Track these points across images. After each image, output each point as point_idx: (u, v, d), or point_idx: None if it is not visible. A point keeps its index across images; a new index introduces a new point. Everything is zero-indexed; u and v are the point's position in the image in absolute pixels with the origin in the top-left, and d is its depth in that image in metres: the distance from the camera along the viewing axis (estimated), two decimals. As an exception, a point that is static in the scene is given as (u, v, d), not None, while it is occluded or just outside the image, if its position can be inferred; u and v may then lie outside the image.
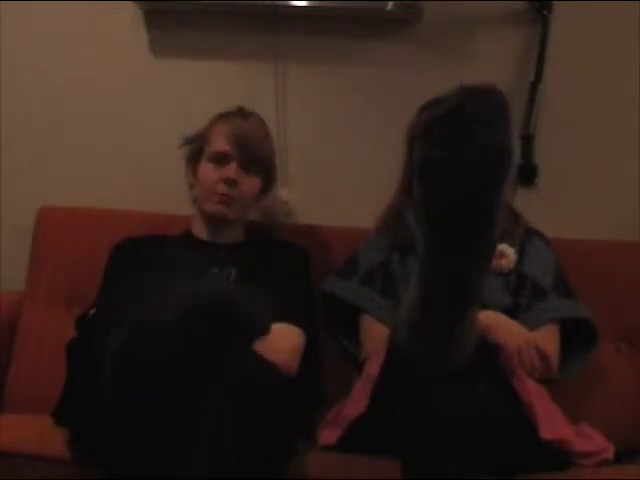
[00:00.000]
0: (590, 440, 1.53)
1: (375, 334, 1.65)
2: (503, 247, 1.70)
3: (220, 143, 1.76)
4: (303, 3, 2.05)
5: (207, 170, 1.77)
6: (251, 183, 1.78)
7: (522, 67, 2.06)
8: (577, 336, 1.69)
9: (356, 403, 1.47)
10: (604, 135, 2.05)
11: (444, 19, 2.07)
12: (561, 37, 2.02)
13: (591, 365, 1.75)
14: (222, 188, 1.74)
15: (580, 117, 2.05)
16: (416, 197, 1.21)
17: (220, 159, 1.75)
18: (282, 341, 1.56)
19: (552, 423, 1.43)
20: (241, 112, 1.83)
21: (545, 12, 2.01)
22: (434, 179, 1.17)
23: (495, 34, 2.07)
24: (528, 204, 1.93)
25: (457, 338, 1.27)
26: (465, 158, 1.15)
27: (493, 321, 1.55)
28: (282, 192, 2.03)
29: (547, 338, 1.63)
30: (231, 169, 1.74)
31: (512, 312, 1.66)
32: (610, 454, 1.53)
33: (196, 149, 1.82)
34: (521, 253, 1.74)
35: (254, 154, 1.76)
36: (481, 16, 2.07)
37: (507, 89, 2.04)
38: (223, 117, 1.82)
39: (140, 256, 1.73)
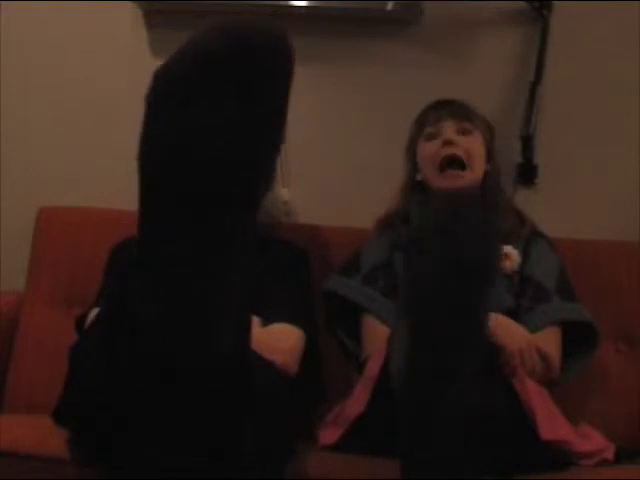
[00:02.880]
0: (590, 440, 1.53)
1: (376, 334, 1.65)
2: (507, 249, 1.71)
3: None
4: (303, 3, 2.05)
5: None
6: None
7: (522, 67, 2.06)
8: (578, 339, 1.69)
9: (356, 403, 1.47)
10: (604, 135, 2.05)
11: (444, 19, 2.07)
12: (561, 37, 2.03)
13: (591, 365, 1.75)
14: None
15: (580, 117, 2.05)
16: (402, 296, 1.24)
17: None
18: (282, 341, 1.56)
19: (552, 423, 1.43)
20: None
21: (545, 12, 2.01)
22: (421, 293, 1.20)
23: (495, 34, 2.07)
24: (528, 204, 1.93)
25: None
26: (451, 276, 1.17)
27: (494, 322, 1.55)
28: (282, 192, 2.04)
29: (548, 340, 1.63)
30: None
31: (514, 314, 1.66)
32: (610, 454, 1.53)
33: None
34: (525, 255, 1.73)
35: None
36: (481, 16, 2.07)
37: (507, 89, 2.07)
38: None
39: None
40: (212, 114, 0.99)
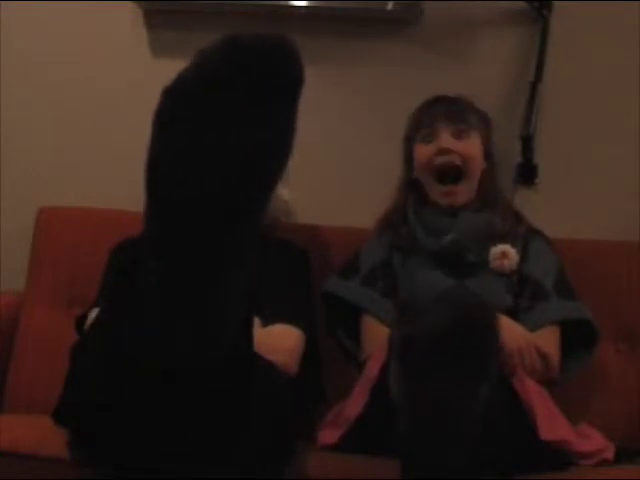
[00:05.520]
0: (590, 440, 1.53)
1: (376, 334, 1.65)
2: (505, 248, 1.70)
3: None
4: (303, 3, 2.05)
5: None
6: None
7: (522, 67, 2.06)
8: (578, 337, 1.69)
9: (356, 403, 1.47)
10: (604, 135, 2.05)
11: (444, 19, 2.07)
12: (561, 37, 2.03)
13: (591, 365, 1.75)
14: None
15: (580, 117, 2.05)
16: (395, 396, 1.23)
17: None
18: (282, 341, 1.56)
19: (552, 424, 1.43)
20: None
21: (545, 12, 2.01)
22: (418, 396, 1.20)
23: (495, 34, 2.07)
24: (528, 204, 1.93)
25: None
26: (444, 391, 1.17)
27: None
28: (282, 192, 2.03)
29: (548, 339, 1.63)
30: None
31: (513, 313, 1.66)
32: (610, 454, 1.53)
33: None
34: (523, 254, 1.73)
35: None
36: (481, 16, 2.07)
37: (507, 89, 2.07)
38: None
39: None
40: (218, 136, 1.01)
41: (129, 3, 2.12)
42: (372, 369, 1.46)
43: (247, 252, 1.07)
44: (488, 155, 1.79)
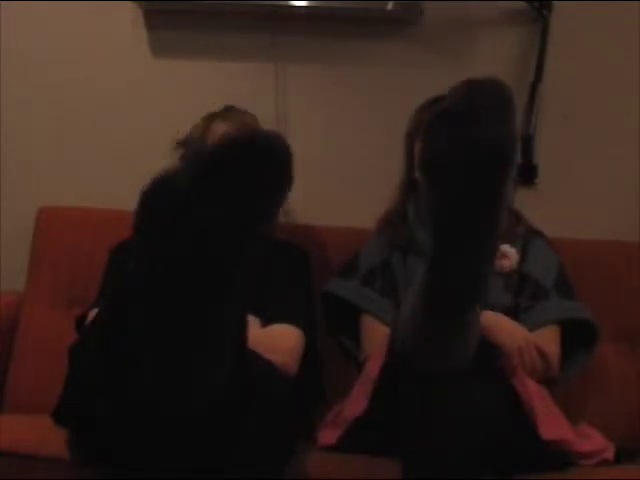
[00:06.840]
0: (590, 440, 1.53)
1: (375, 334, 1.65)
2: (504, 247, 1.70)
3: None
4: (303, 3, 2.05)
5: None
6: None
7: (522, 67, 2.06)
8: (578, 337, 1.69)
9: (356, 403, 1.47)
10: (604, 135, 2.05)
11: (444, 19, 2.07)
12: (561, 37, 2.03)
13: (591, 365, 1.74)
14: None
15: (580, 117, 2.05)
16: (421, 192, 1.21)
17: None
18: (281, 341, 1.56)
19: (552, 424, 1.43)
20: (233, 109, 1.83)
21: (545, 12, 2.01)
22: (437, 173, 1.18)
23: (495, 34, 2.07)
24: (528, 204, 1.93)
25: (459, 337, 1.27)
26: (468, 152, 1.15)
27: (493, 322, 1.55)
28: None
29: (547, 338, 1.63)
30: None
31: (513, 312, 1.66)
32: (610, 454, 1.53)
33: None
34: (523, 253, 1.73)
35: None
36: (481, 16, 2.07)
37: (507, 89, 2.07)
38: (217, 115, 1.81)
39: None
40: (194, 245, 1.08)
41: (129, 3, 2.12)
42: (372, 369, 1.46)
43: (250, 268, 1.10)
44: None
